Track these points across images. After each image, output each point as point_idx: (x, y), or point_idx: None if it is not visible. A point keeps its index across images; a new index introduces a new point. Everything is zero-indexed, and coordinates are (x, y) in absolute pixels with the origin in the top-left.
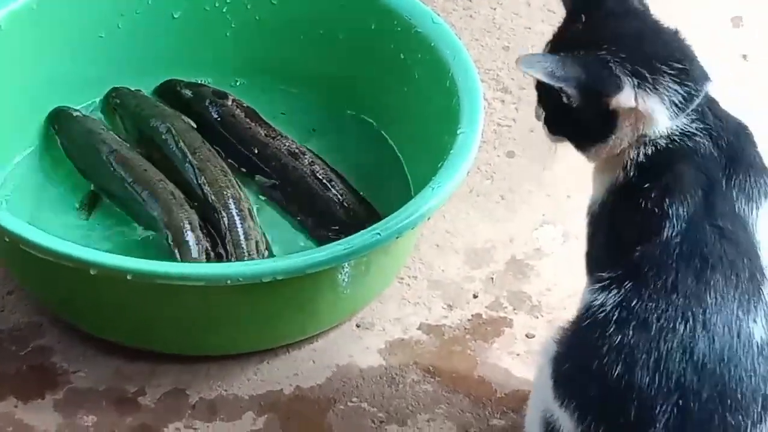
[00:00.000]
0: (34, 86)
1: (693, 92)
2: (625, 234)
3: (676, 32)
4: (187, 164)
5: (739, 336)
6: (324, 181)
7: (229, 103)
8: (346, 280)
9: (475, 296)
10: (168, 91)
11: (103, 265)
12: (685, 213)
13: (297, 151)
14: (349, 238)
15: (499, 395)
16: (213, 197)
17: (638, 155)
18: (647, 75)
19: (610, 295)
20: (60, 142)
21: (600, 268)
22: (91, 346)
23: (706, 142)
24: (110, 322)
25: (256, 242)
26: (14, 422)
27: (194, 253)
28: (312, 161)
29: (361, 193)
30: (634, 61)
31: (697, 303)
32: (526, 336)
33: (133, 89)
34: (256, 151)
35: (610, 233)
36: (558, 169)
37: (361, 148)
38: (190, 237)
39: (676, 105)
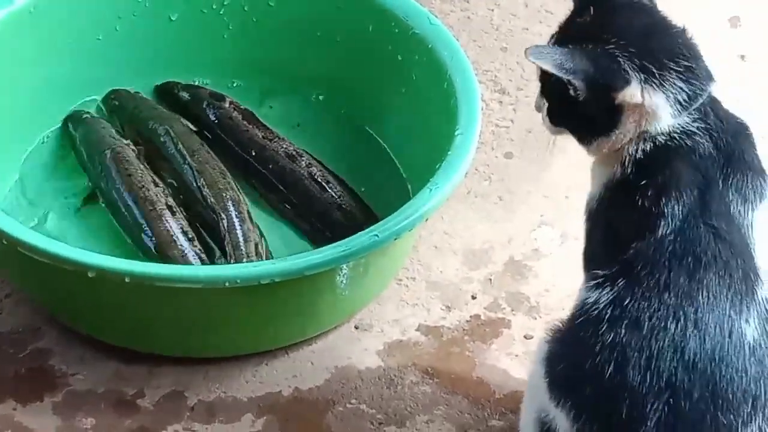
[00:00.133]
0: (32, 89)
1: (697, 91)
2: (620, 231)
3: (683, 30)
4: (186, 166)
5: (730, 336)
6: (321, 183)
7: (227, 105)
8: (344, 281)
9: (473, 297)
10: (166, 93)
11: (102, 267)
12: (680, 212)
13: (294, 153)
14: (347, 239)
15: (497, 396)
16: (212, 199)
17: (636, 151)
18: (654, 71)
19: (604, 292)
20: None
21: (596, 265)
22: (89, 348)
23: (706, 142)
24: (109, 324)
25: (256, 244)
26: (13, 425)
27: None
28: (309, 163)
29: (359, 195)
30: (642, 56)
31: (689, 302)
32: (525, 337)
33: (131, 91)
34: (253, 154)
35: (607, 230)
36: (556, 170)
37: (359, 150)
38: (176, 250)
39: (680, 103)
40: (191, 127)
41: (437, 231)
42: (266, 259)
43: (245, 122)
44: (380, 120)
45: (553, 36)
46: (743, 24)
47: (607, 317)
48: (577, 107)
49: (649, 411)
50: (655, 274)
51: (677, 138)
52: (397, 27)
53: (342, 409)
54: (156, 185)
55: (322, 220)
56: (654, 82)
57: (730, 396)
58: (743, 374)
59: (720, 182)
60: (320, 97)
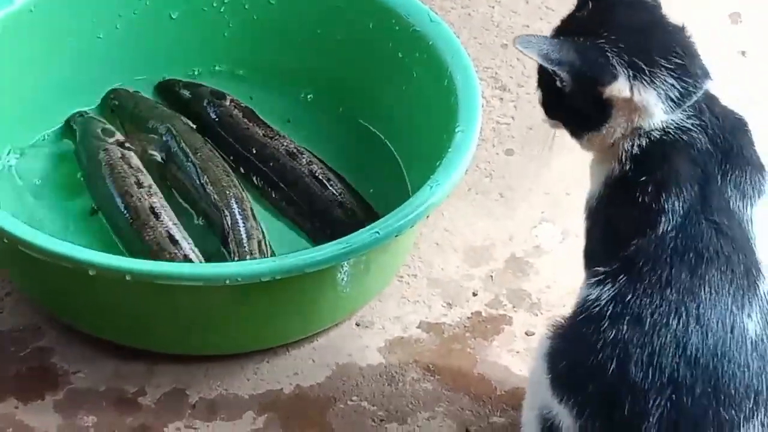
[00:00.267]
0: (33, 89)
1: (690, 89)
2: (621, 228)
3: (682, 28)
4: (189, 164)
5: (732, 331)
6: (322, 180)
7: (227, 103)
8: (345, 279)
9: (474, 294)
10: (166, 91)
11: (102, 265)
12: (681, 207)
13: (295, 151)
14: (348, 237)
15: (499, 393)
16: (216, 197)
17: (633, 147)
18: (644, 67)
19: (605, 289)
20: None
21: (596, 262)
22: (90, 346)
23: (702, 138)
24: (109, 323)
25: (259, 241)
26: (14, 423)
27: None
28: (310, 161)
29: (360, 193)
30: (632, 52)
31: (691, 298)
32: (526, 334)
33: (131, 90)
34: (254, 151)
35: (607, 227)
36: (557, 167)
37: (360, 147)
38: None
39: (672, 100)
40: (191, 125)
41: (438, 228)
42: (269, 257)
43: (246, 120)
44: (381, 117)
45: (554, 30)
46: (744, 20)
47: (608, 314)
48: (566, 99)
49: (651, 407)
50: (657, 270)
51: (672, 133)
52: (398, 24)
53: (343, 407)
54: (140, 186)
55: (323, 217)
56: (644, 79)
57: (733, 391)
58: (745, 369)
59: (719, 178)
60: (321, 95)
